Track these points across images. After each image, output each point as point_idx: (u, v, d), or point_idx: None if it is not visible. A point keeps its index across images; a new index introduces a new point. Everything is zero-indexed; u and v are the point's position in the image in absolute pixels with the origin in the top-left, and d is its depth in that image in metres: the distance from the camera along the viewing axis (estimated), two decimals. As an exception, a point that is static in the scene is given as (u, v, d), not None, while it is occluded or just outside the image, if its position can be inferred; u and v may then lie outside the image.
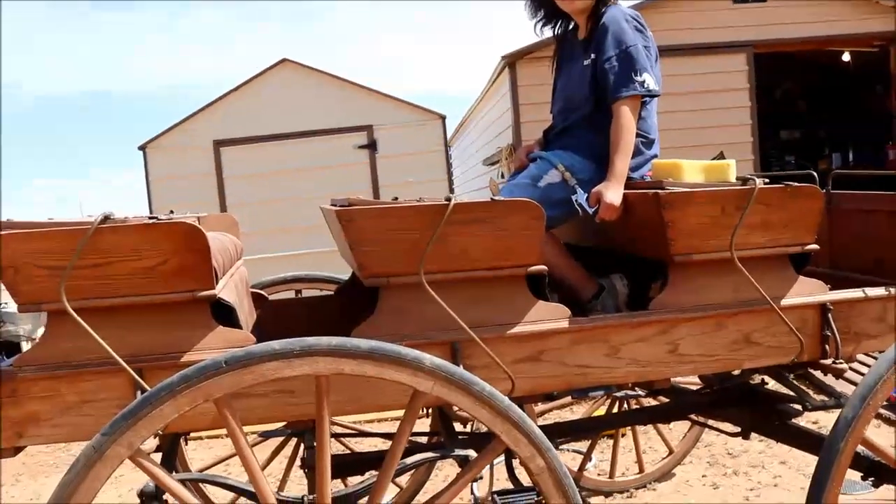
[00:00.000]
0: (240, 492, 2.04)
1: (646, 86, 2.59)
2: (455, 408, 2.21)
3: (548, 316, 2.20)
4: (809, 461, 2.64)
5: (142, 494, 1.98)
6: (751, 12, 7.41)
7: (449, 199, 2.02)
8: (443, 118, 7.27)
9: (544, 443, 1.78)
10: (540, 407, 4.15)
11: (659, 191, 2.22)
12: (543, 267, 2.18)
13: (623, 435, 4.23)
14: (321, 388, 1.70)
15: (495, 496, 2.21)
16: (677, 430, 4.51)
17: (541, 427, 3.35)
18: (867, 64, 9.00)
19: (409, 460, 2.11)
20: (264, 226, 6.82)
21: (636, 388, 3.59)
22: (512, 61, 7.14)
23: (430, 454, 2.14)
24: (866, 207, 2.87)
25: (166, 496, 2.03)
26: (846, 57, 9.06)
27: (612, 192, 2.47)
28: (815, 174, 3.10)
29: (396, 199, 2.75)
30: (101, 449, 1.61)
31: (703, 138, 7.34)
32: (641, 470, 4.09)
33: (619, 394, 3.64)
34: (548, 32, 2.99)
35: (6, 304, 6.74)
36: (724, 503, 3.84)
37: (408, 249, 2.04)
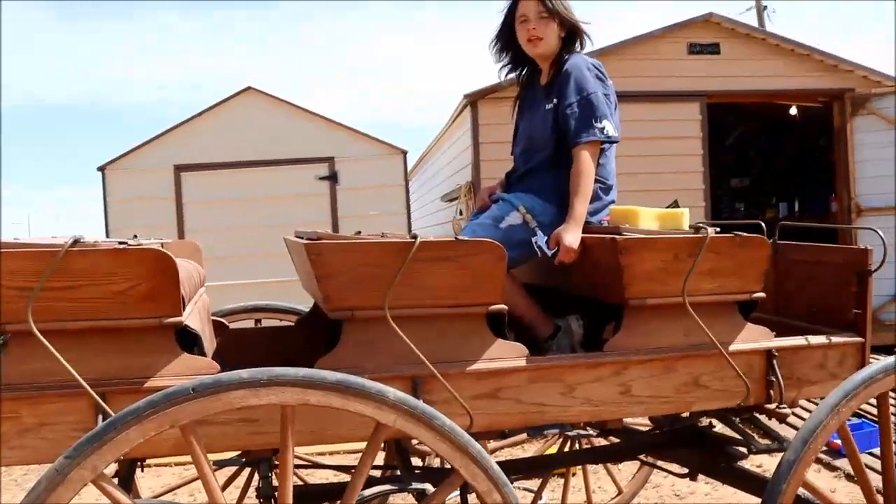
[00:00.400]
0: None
1: (605, 132, 2.70)
2: (415, 441, 2.26)
3: (506, 354, 2.26)
4: None
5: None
6: (705, 63, 7.69)
7: (415, 237, 2.09)
8: (404, 153, 7.36)
9: (501, 478, 1.83)
10: (492, 444, 4.19)
11: (616, 236, 2.31)
12: (504, 306, 2.25)
13: (573, 474, 4.29)
14: (286, 418, 1.73)
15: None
16: (626, 470, 4.59)
17: (508, 462, 3.41)
18: (813, 118, 9.35)
19: (367, 492, 2.14)
20: (223, 253, 6.78)
21: (588, 428, 3.68)
22: (474, 100, 7.28)
23: (388, 486, 2.18)
24: (810, 258, 3.00)
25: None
26: (793, 111, 9.41)
27: (571, 235, 2.56)
28: (763, 224, 3.25)
29: (359, 233, 2.81)
30: (64, 472, 1.61)
31: (657, 183, 7.55)
32: (590, 509, 4.15)
33: (571, 433, 3.71)
34: (512, 76, 3.09)
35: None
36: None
37: (373, 284, 2.09)
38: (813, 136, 9.94)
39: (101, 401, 1.92)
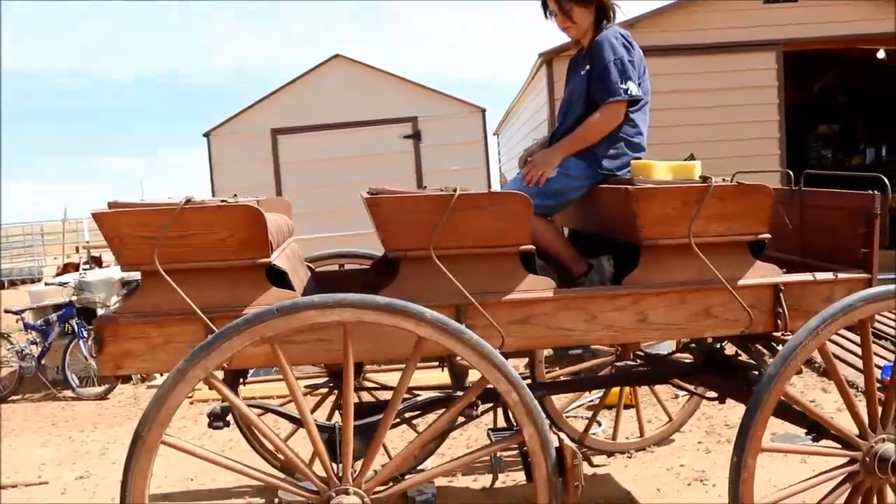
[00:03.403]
0: (286, 417, 2.60)
1: (629, 92, 3.06)
2: (458, 358, 2.73)
3: (536, 287, 2.70)
4: (799, 432, 3.06)
5: (211, 414, 2.55)
6: (781, 12, 7.72)
7: (455, 190, 2.54)
8: (483, 111, 7.75)
9: (518, 381, 2.29)
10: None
11: (629, 187, 2.70)
12: (532, 246, 2.68)
13: (626, 406, 4.67)
14: (347, 333, 2.24)
15: (489, 432, 2.73)
16: (681, 401, 4.97)
17: (545, 383, 3.86)
18: (902, 61, 9.20)
19: (420, 399, 2.65)
20: (316, 208, 7.38)
21: (636, 360, 4.09)
22: (549, 58, 7.59)
23: (437, 394, 2.67)
24: (829, 204, 3.28)
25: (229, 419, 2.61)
26: (881, 54, 9.26)
27: (543, 155, 3.10)
28: (790, 173, 3.56)
29: (425, 187, 3.27)
30: (184, 371, 2.18)
31: (732, 133, 7.71)
32: (642, 434, 4.57)
33: (619, 364, 4.13)
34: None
35: (84, 274, 7.48)
36: (713, 464, 4.30)
37: (421, 230, 2.56)
38: (903, 80, 9.76)
39: (210, 323, 2.47)
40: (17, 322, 7.75)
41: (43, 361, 7.26)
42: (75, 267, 8.56)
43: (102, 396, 6.88)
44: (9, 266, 20.36)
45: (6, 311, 7.49)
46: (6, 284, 17.77)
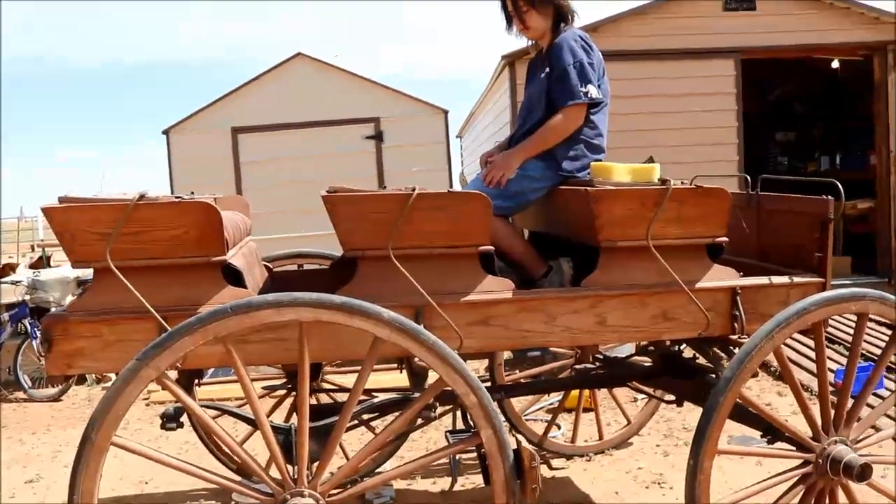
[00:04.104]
0: (242, 418, 2.55)
1: (589, 95, 3.07)
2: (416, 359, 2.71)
3: (495, 288, 2.69)
4: (755, 434, 3.09)
5: (163, 416, 2.50)
6: (740, 20, 7.84)
7: (413, 189, 2.52)
8: (445, 112, 7.73)
9: (476, 383, 2.27)
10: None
11: (588, 188, 2.70)
12: (491, 247, 2.67)
13: (585, 409, 4.68)
14: (303, 333, 2.20)
15: (447, 434, 2.71)
16: (640, 404, 4.99)
17: (505, 385, 3.86)
18: (856, 71, 9.37)
19: (377, 400, 2.62)
20: (277, 208, 7.31)
21: (595, 363, 4.10)
22: (511, 61, 7.60)
23: (394, 395, 2.64)
24: (785, 208, 3.32)
25: (183, 419, 2.55)
26: (835, 64, 9.44)
27: (506, 157, 3.10)
28: (748, 178, 3.59)
29: (385, 188, 3.25)
30: (135, 370, 2.12)
31: (691, 139, 7.79)
32: (601, 437, 4.58)
33: (579, 366, 4.14)
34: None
35: (38, 273, 7.30)
36: (671, 466, 4.33)
37: (379, 229, 2.53)
38: (856, 90, 9.95)
39: (164, 322, 2.42)
40: (-34, 321, 7.54)
41: (-7, 362, 7.08)
42: (13, 268, 8.33)
43: (56, 398, 6.72)
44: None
45: (-45, 311, 7.28)
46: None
